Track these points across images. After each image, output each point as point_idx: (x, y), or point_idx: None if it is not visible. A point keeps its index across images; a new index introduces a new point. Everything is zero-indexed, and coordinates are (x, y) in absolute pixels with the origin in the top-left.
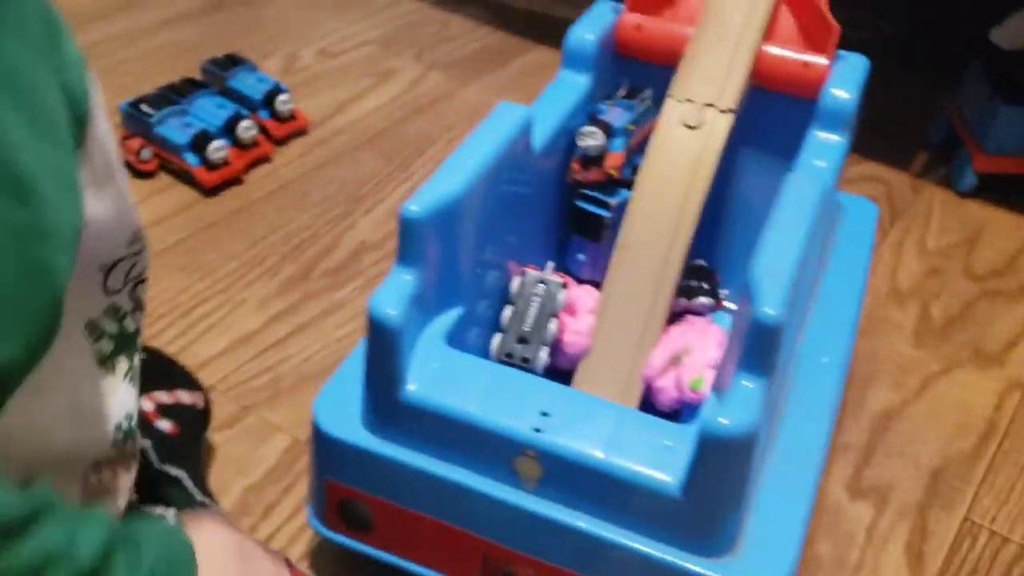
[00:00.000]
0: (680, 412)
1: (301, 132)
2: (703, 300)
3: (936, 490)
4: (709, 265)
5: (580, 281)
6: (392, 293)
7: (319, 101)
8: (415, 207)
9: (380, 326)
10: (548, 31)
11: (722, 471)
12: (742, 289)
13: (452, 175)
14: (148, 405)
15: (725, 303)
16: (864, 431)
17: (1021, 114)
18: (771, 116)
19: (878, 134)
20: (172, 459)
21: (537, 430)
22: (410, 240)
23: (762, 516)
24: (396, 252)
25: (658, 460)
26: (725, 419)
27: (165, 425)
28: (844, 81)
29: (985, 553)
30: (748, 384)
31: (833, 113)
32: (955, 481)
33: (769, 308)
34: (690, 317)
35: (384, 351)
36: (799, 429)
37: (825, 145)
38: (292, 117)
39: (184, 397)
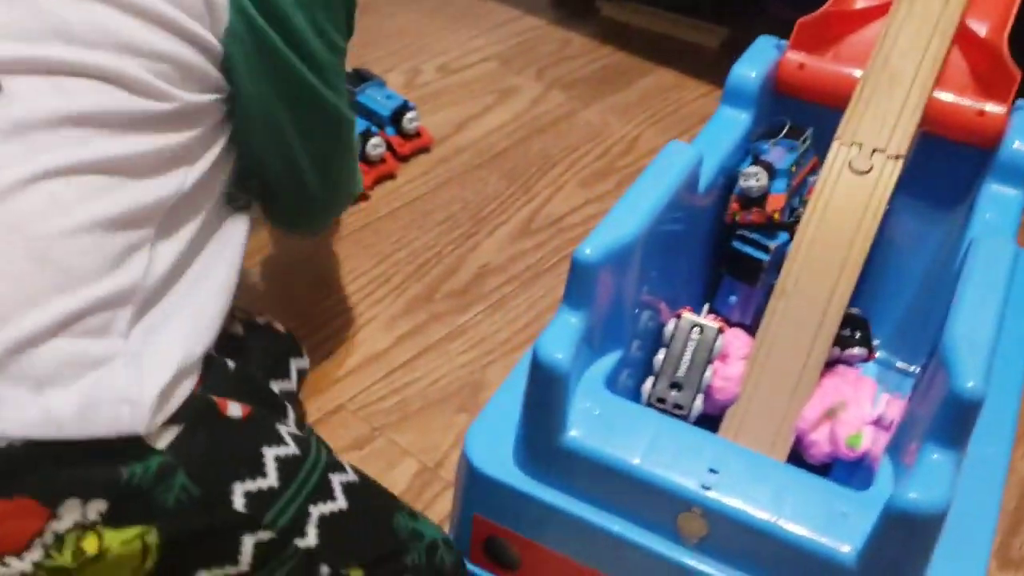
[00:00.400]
0: (830, 467)
1: (425, 149)
2: (856, 351)
3: None
4: (864, 310)
5: (730, 324)
6: (559, 337)
7: (441, 118)
8: (589, 250)
9: (546, 370)
10: (670, 53)
11: (906, 546)
12: (926, 353)
13: (626, 218)
14: None
15: (877, 354)
16: (1013, 496)
17: None
18: (934, 163)
19: None
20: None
21: (705, 487)
22: (580, 283)
23: None
24: (564, 294)
25: (833, 528)
26: (915, 493)
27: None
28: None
29: None
30: (939, 458)
31: (1012, 166)
32: None
33: (970, 381)
34: (840, 368)
35: (548, 395)
36: (970, 500)
37: (1003, 199)
38: (417, 134)
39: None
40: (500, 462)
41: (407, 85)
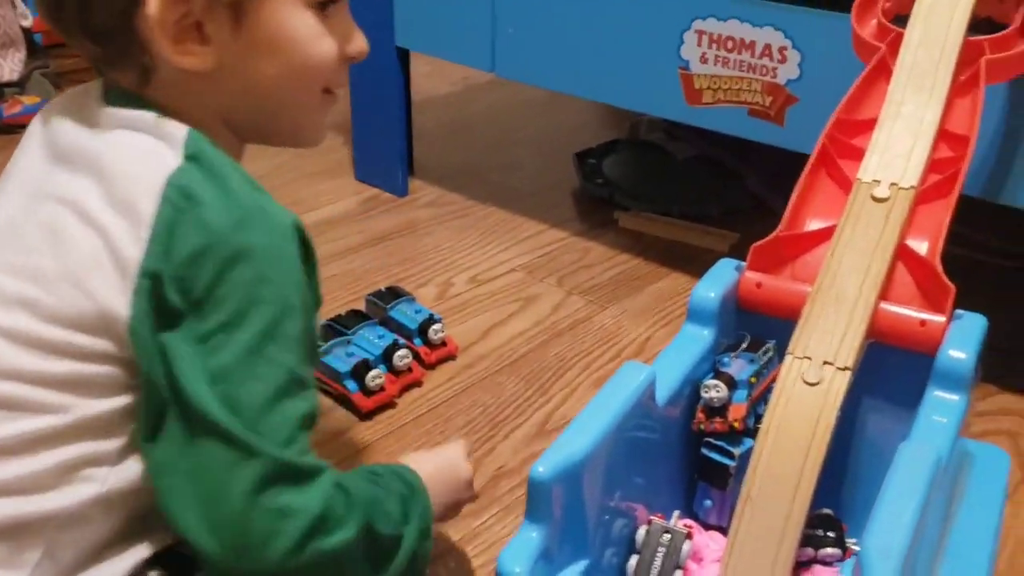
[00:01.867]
0: None
1: (451, 357)
2: (830, 550)
3: None
4: (837, 512)
5: (707, 527)
6: (519, 552)
7: (468, 326)
8: (543, 468)
9: None
10: (681, 258)
11: None
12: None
13: (578, 437)
14: None
15: (854, 550)
16: None
17: None
18: (892, 369)
19: (1017, 365)
20: None
21: None
22: (538, 500)
23: None
24: (526, 508)
25: None
26: None
27: None
28: (961, 341)
29: None
30: None
31: (950, 375)
32: None
33: None
34: (817, 568)
35: None
36: None
37: (944, 404)
38: (443, 344)
39: None
40: None
41: (440, 297)
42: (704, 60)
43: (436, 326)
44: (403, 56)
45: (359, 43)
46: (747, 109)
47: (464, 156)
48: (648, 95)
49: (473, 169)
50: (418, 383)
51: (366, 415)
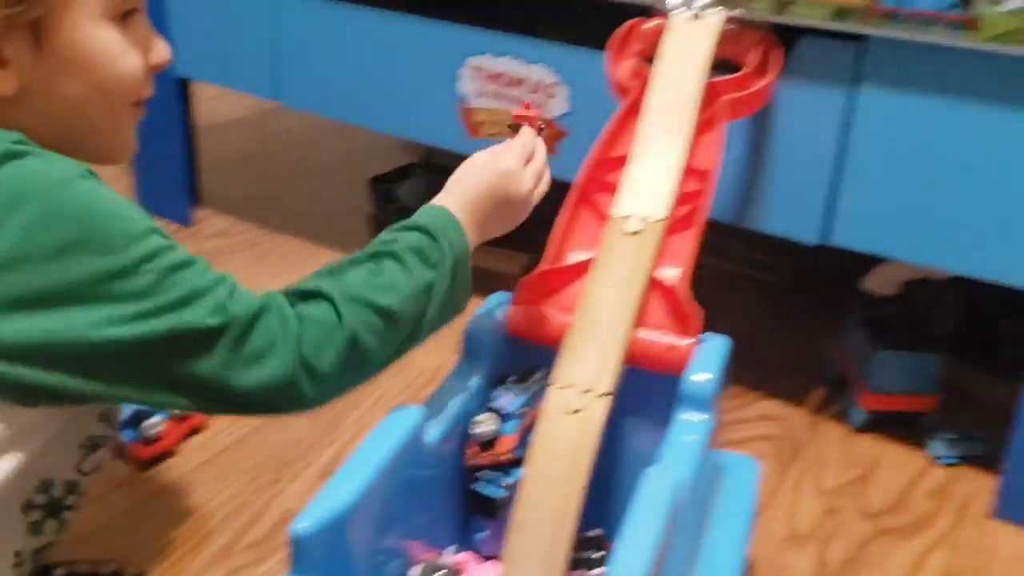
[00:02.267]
0: None
1: (169, 455)
2: (599, 570)
3: None
4: (609, 532)
5: (486, 557)
6: None
7: None
8: (304, 524)
9: None
10: (475, 283)
11: None
12: None
13: (341, 488)
14: None
15: None
16: None
17: (896, 357)
18: (649, 391)
19: (776, 373)
20: None
21: None
22: (301, 555)
23: None
24: (290, 563)
25: None
26: None
27: None
28: (705, 364)
29: None
30: None
31: (695, 396)
32: None
33: None
34: None
35: None
36: None
37: (690, 425)
38: (159, 439)
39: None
40: None
41: None
42: (481, 94)
43: (152, 419)
44: (182, 84)
45: (161, 51)
46: None
47: (257, 183)
48: (430, 127)
49: (266, 197)
50: (200, 429)
51: (145, 464)
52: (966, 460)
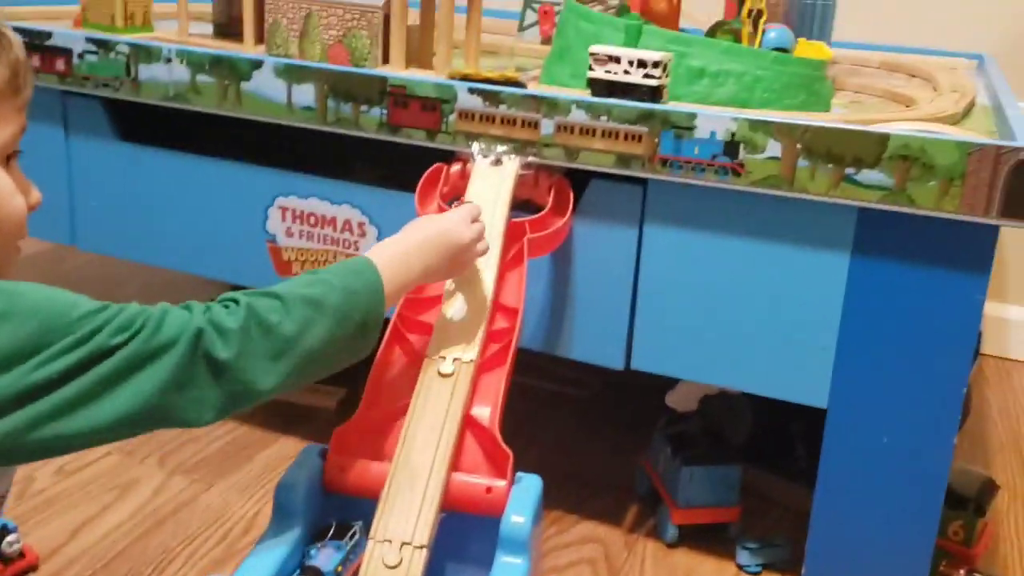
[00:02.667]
0: None
1: (31, 569)
2: None
3: None
4: None
5: None
6: None
7: (53, 528)
8: None
9: None
10: (291, 419)
11: None
12: None
13: None
14: None
15: None
16: None
17: (700, 472)
18: (467, 533)
19: (593, 492)
20: None
21: None
22: None
23: None
24: None
25: None
26: None
27: None
28: (521, 506)
29: None
30: None
31: (513, 540)
32: None
33: None
34: None
35: None
36: None
37: (509, 568)
38: (21, 555)
39: None
40: None
41: (19, 497)
42: (290, 234)
43: (10, 537)
44: None
45: (35, 193)
46: None
47: None
48: (239, 266)
49: None
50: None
51: None
52: (770, 567)
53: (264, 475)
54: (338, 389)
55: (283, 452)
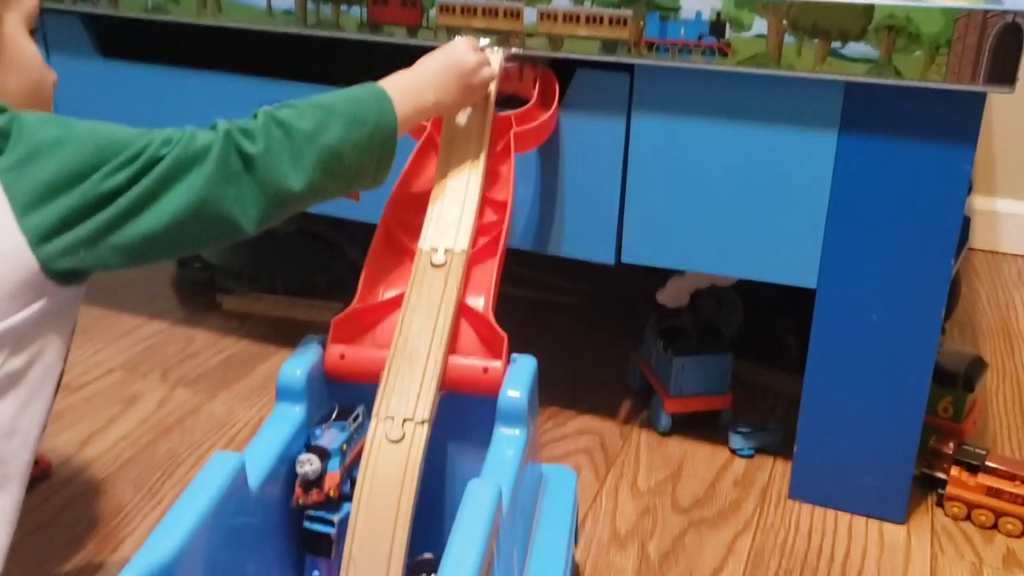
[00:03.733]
0: None
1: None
2: None
3: None
4: (436, 554)
5: None
6: None
7: (64, 439)
8: None
9: None
10: (290, 334)
11: None
12: None
13: (165, 538)
14: None
15: None
16: None
17: (691, 363)
18: (466, 413)
19: (589, 389)
20: None
21: None
22: None
23: None
24: None
25: None
26: None
27: None
28: (516, 382)
29: None
30: None
31: (510, 412)
32: None
33: None
34: None
35: None
36: None
37: (508, 439)
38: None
39: None
40: None
41: None
42: None
43: None
44: None
45: (52, 73)
46: None
47: None
48: None
49: None
50: None
51: None
52: (763, 450)
53: (265, 385)
54: (334, 303)
55: (280, 357)
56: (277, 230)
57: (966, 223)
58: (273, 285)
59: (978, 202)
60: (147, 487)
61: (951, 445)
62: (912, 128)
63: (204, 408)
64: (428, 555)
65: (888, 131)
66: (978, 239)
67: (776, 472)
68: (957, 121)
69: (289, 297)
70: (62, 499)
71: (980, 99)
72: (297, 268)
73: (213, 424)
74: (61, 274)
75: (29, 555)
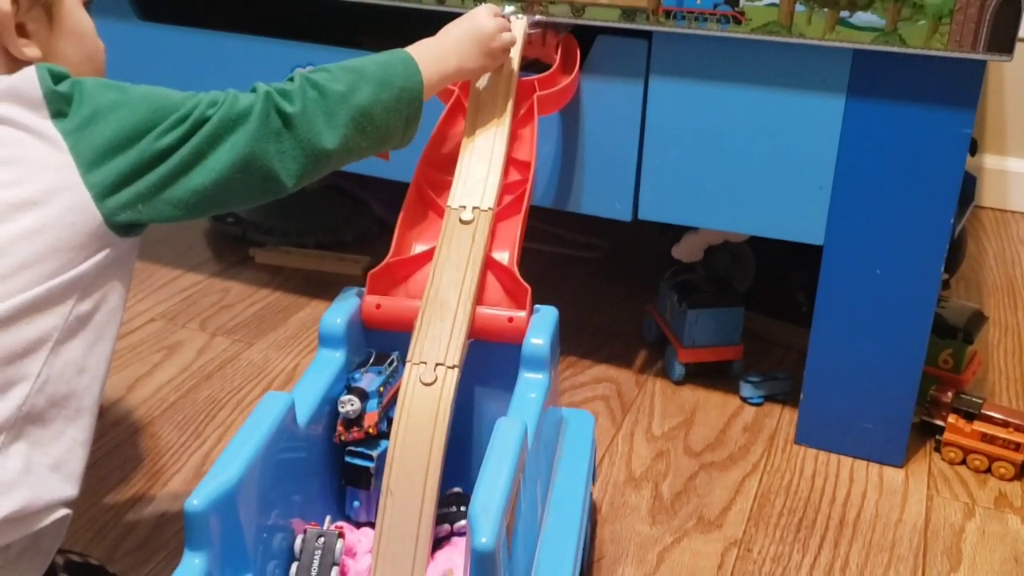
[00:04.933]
0: None
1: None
2: (463, 522)
3: None
4: (465, 488)
5: (358, 525)
6: None
7: (111, 384)
8: (197, 500)
9: None
10: (320, 286)
11: None
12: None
13: (227, 467)
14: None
15: None
16: None
17: (704, 315)
18: (494, 359)
19: (606, 339)
20: None
21: None
22: (195, 529)
23: None
24: (185, 538)
25: None
26: None
27: None
28: (539, 331)
29: None
30: None
31: (533, 358)
32: None
33: (483, 538)
34: (455, 539)
35: None
36: None
37: (531, 382)
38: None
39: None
40: None
41: None
42: None
43: None
44: None
45: (102, 43)
46: None
47: None
48: None
49: None
50: None
51: None
52: (772, 398)
53: (299, 334)
54: (362, 257)
55: (315, 314)
56: (307, 187)
57: (972, 181)
58: (303, 240)
59: (988, 161)
60: (191, 429)
61: (950, 394)
62: (916, 93)
63: (242, 356)
64: (457, 489)
65: (893, 96)
66: (988, 197)
67: (784, 419)
68: (958, 87)
69: (319, 251)
70: (113, 439)
71: (980, 66)
72: (326, 223)
73: (251, 371)
74: (122, 226)
75: (85, 490)
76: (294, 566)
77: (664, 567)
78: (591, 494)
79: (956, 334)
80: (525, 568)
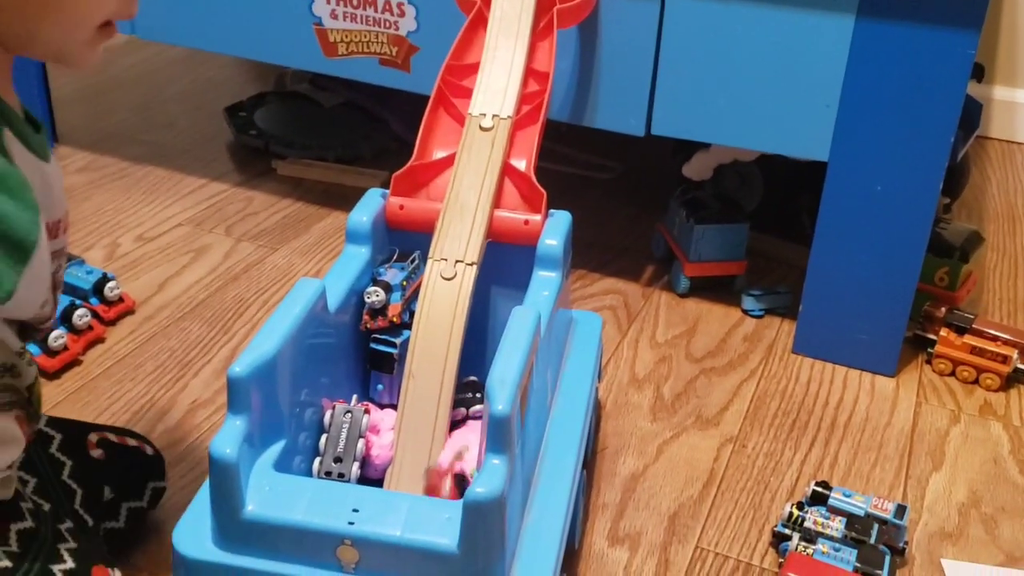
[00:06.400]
0: None
1: (130, 312)
2: (478, 407)
3: (674, 530)
4: (480, 377)
5: (381, 406)
6: (227, 437)
7: (143, 282)
8: (239, 368)
9: (219, 464)
10: (340, 198)
11: (484, 529)
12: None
13: (266, 340)
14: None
15: None
16: (617, 492)
17: (711, 231)
18: (509, 261)
19: (615, 255)
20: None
21: (350, 523)
22: (237, 393)
23: (524, 564)
24: (228, 403)
25: (441, 530)
26: (480, 489)
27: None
28: (553, 233)
29: (712, 571)
30: (494, 462)
31: (547, 258)
32: (688, 520)
33: (500, 405)
34: (471, 422)
35: (225, 483)
36: (548, 495)
37: (545, 281)
38: (120, 300)
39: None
40: (201, 545)
41: (108, 258)
42: (334, 16)
43: (111, 283)
44: None
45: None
46: (378, 59)
47: (112, 119)
48: (288, 49)
49: (124, 131)
50: (101, 339)
51: (53, 375)
52: (772, 312)
53: (322, 241)
54: (380, 172)
55: (336, 223)
56: (324, 102)
57: (978, 109)
58: (323, 153)
59: (998, 92)
60: (220, 325)
61: (943, 310)
62: (923, 15)
63: (268, 260)
64: (473, 377)
65: (901, 17)
66: (996, 128)
67: (783, 331)
68: (964, 9)
69: (338, 165)
70: (146, 333)
71: None
72: (345, 138)
73: (276, 273)
74: None
75: (120, 379)
76: (323, 437)
77: (663, 458)
78: (597, 390)
79: (953, 253)
80: (535, 444)
